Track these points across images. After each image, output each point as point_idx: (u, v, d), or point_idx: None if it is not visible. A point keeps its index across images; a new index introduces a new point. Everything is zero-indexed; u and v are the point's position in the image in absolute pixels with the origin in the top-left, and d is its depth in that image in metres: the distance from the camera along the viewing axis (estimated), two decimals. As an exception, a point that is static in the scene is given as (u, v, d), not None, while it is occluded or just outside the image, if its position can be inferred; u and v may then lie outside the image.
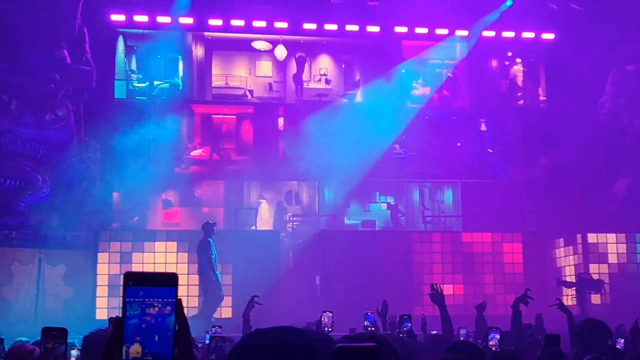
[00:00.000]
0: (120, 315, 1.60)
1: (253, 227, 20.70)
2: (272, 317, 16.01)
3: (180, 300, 1.63)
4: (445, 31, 21.95)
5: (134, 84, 21.89)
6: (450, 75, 22.92)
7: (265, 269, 17.34)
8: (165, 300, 1.60)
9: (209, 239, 16.12)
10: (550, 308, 8.57)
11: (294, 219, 21.93)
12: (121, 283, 1.61)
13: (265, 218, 22.37)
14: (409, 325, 7.10)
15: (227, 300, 17.40)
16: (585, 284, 16.50)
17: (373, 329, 7.63)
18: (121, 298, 1.60)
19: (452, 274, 18.83)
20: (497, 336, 6.24)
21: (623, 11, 19.84)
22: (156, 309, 1.59)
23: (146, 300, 1.59)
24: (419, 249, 19.04)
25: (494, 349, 6.03)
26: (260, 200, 22.51)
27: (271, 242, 18.51)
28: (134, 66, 22.13)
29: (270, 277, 17.37)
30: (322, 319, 7.16)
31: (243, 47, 22.67)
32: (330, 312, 7.23)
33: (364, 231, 21.10)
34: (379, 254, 18.02)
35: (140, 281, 1.60)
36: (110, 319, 5.67)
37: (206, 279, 16.23)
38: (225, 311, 17.32)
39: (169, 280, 1.61)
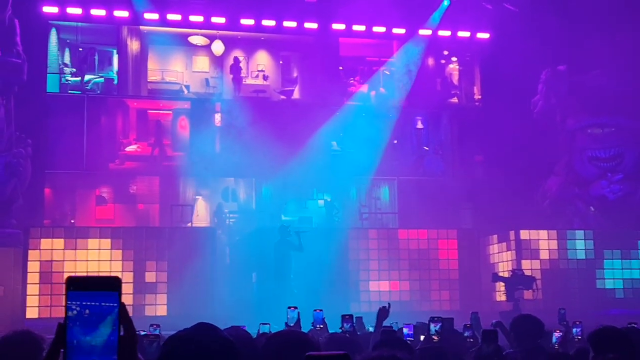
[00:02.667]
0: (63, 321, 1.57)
1: (189, 224, 20.50)
2: (208, 315, 15.90)
3: (123, 304, 1.60)
4: (382, 29, 22.07)
5: (67, 77, 21.46)
6: (387, 72, 23.06)
7: (201, 266, 17.21)
8: (109, 304, 1.57)
9: (288, 239, 16.61)
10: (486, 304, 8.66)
11: (231, 215, 21.81)
12: (64, 289, 1.57)
13: (201, 214, 22.18)
14: (348, 325, 7.08)
15: (162, 298, 17.23)
16: (517, 280, 16.79)
17: (321, 326, 7.61)
18: (64, 303, 1.57)
19: (388, 271, 18.98)
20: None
21: (555, 12, 20.24)
22: (99, 313, 1.55)
23: (89, 304, 1.55)
24: (355, 245, 19.16)
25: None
26: (197, 197, 22.30)
27: (207, 238, 18.36)
28: (67, 59, 21.70)
29: (206, 274, 17.25)
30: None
31: (180, 42, 22.41)
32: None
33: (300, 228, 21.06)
34: (316, 251, 18.02)
35: (83, 285, 1.57)
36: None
37: (282, 275, 16.49)
38: (160, 309, 17.15)
39: (112, 284, 1.59)
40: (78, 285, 1.57)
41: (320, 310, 7.81)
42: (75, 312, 1.55)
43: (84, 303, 1.56)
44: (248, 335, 3.14)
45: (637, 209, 20.82)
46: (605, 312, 16.84)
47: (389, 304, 7.49)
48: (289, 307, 7.82)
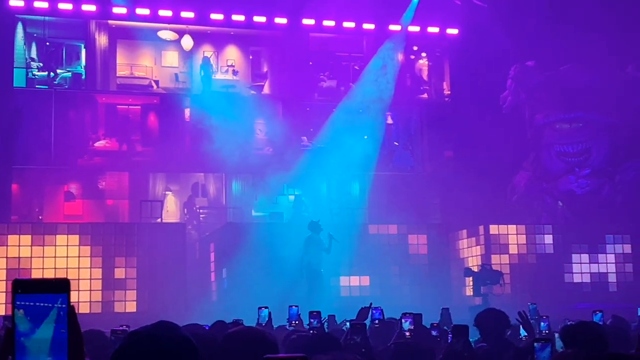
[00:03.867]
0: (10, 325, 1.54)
1: (159, 220, 20.38)
2: (177, 312, 15.85)
3: (72, 307, 1.57)
4: (352, 24, 22.07)
5: (34, 72, 21.20)
6: (357, 68, 23.07)
7: (170, 262, 17.13)
8: (57, 306, 1.54)
9: (317, 235, 16.46)
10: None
11: (201, 211, 21.72)
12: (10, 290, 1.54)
13: (171, 210, 22.08)
14: (315, 322, 7.07)
15: (132, 294, 17.12)
16: (485, 274, 16.91)
17: (297, 322, 7.60)
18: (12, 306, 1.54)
19: (358, 266, 18.96)
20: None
21: (524, 8, 20.38)
22: (47, 316, 1.53)
23: (37, 306, 1.52)
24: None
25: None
26: (166, 192, 22.18)
27: (177, 234, 18.26)
28: (34, 54, 21.44)
29: (175, 270, 17.18)
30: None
31: (149, 37, 22.23)
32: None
33: (271, 223, 21.04)
34: (287, 246, 17.98)
35: (30, 288, 1.54)
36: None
37: (314, 273, 16.32)
38: (129, 305, 17.04)
39: (61, 287, 1.56)
40: (25, 288, 1.54)
41: (296, 306, 7.80)
42: (22, 314, 1.53)
43: (31, 304, 1.53)
44: (208, 332, 3.11)
45: (604, 204, 21.08)
46: (572, 306, 17.01)
47: (370, 303, 7.50)
48: (260, 307, 7.82)
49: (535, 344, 4.00)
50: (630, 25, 19.99)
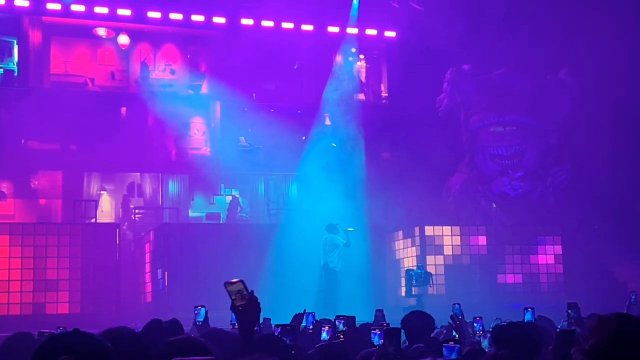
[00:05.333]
0: None
1: (93, 220, 20.06)
2: (112, 313, 15.62)
3: None
4: (291, 25, 22.08)
5: (-37, 68, 20.70)
6: (295, 68, 23.08)
7: (104, 263, 16.89)
8: None
9: (334, 236, 16.72)
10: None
11: (137, 211, 21.47)
12: None
13: (106, 210, 21.77)
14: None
15: (64, 296, 16.82)
16: (415, 276, 17.12)
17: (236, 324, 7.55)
18: None
19: (301, 265, 18.82)
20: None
21: (461, 12, 20.66)
22: None
23: None
24: (262, 241, 18.92)
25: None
26: (101, 192, 21.86)
27: (110, 235, 17.98)
28: (-37, 49, 20.91)
29: (109, 271, 16.94)
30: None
31: (84, 34, 21.89)
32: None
33: (208, 224, 20.93)
34: (224, 247, 17.89)
35: None
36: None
37: (333, 272, 16.62)
38: (61, 307, 16.73)
39: None
40: None
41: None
42: None
43: None
44: (135, 335, 3.08)
45: (537, 206, 21.51)
46: (505, 306, 17.31)
47: (304, 309, 7.51)
48: (196, 306, 7.76)
49: (445, 345, 4.05)
50: (564, 31, 20.45)
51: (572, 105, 21.77)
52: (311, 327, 7.10)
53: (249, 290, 3.67)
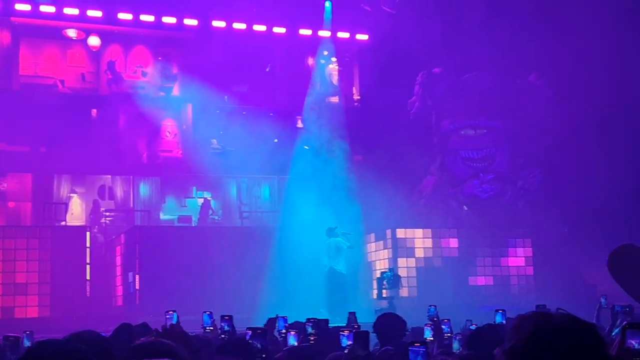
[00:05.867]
0: None
1: (63, 223, 19.88)
2: (81, 315, 15.48)
3: None
4: (263, 27, 22.05)
5: None
6: (267, 70, 23.05)
7: (73, 266, 16.75)
8: None
9: (337, 239, 17.07)
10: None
11: (107, 214, 21.31)
12: None
13: (76, 213, 21.57)
14: (227, 325, 7.02)
15: (33, 299, 16.66)
16: (386, 279, 17.19)
17: (211, 328, 7.51)
18: None
19: (272, 268, 18.74)
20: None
21: (432, 15, 20.76)
22: None
23: None
24: (234, 244, 18.86)
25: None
26: (71, 195, 21.67)
27: (80, 238, 17.84)
28: None
29: (78, 275, 16.81)
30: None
31: (54, 35, 21.68)
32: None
33: (179, 227, 20.84)
34: (195, 250, 17.82)
35: None
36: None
37: (340, 276, 16.90)
38: (31, 311, 16.57)
39: None
40: None
41: (210, 312, 7.72)
42: None
43: None
44: (102, 338, 3.06)
45: (507, 208, 21.67)
46: (476, 308, 17.40)
47: (277, 314, 7.51)
48: (167, 311, 7.71)
49: (410, 348, 4.05)
50: (533, 35, 20.61)
51: (542, 109, 21.95)
52: (283, 331, 7.09)
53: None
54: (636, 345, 3.22)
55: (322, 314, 9.31)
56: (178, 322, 7.59)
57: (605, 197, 19.64)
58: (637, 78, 20.22)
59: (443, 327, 7.49)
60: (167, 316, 7.60)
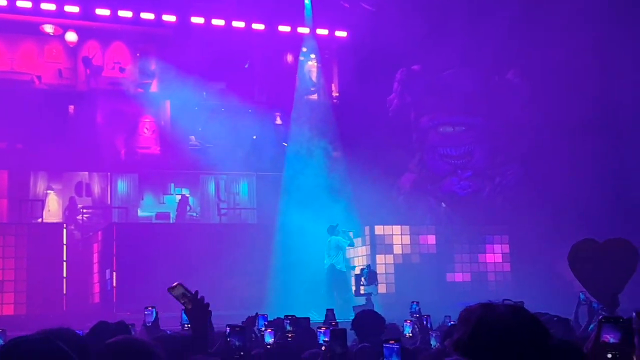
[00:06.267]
0: None
1: (40, 220, 19.75)
2: (58, 313, 15.37)
3: None
4: (242, 24, 21.99)
5: None
6: (246, 67, 22.98)
7: (50, 263, 16.65)
8: None
9: (337, 237, 17.42)
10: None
11: (85, 211, 21.18)
12: None
13: (53, 210, 21.41)
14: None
15: (9, 297, 16.54)
16: (364, 276, 17.24)
17: (189, 325, 7.48)
18: None
19: (251, 265, 18.73)
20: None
21: (411, 12, 20.78)
22: None
23: None
24: (212, 241, 18.80)
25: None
26: (48, 192, 21.50)
27: (56, 235, 17.73)
28: None
29: (55, 272, 16.71)
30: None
31: (31, 30, 21.49)
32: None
33: (157, 224, 20.77)
34: (174, 247, 17.76)
35: None
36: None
37: (341, 274, 17.33)
38: (6, 308, 16.45)
39: None
40: None
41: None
42: None
43: None
44: (76, 336, 3.04)
45: (485, 205, 21.77)
46: (454, 304, 17.47)
47: (256, 313, 7.50)
48: (147, 307, 7.68)
49: (385, 345, 4.06)
50: (511, 32, 20.68)
51: (521, 106, 22.07)
52: (263, 329, 7.09)
53: (192, 292, 3.74)
54: (611, 340, 3.25)
55: (313, 315, 9.31)
56: (157, 318, 7.58)
57: (584, 194, 19.78)
58: (617, 76, 20.41)
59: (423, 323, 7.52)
60: (146, 312, 7.57)
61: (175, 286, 3.74)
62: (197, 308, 3.70)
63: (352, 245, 17.94)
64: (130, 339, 2.82)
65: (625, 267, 9.46)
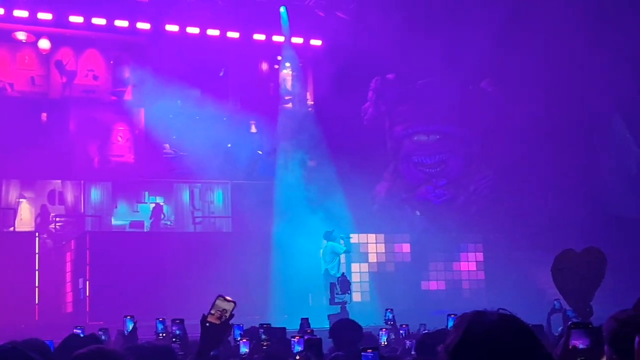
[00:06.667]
0: None
1: (12, 228, 19.54)
2: (29, 323, 15.19)
3: None
4: (216, 32, 21.95)
5: None
6: (221, 75, 22.93)
7: (21, 272, 16.47)
8: None
9: (333, 243, 17.17)
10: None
11: (57, 219, 20.99)
12: None
13: (25, 218, 21.19)
14: (177, 329, 6.97)
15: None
16: (341, 284, 17.22)
17: (164, 335, 7.43)
18: None
19: (225, 274, 18.64)
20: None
21: (385, 21, 20.85)
22: None
23: None
24: (186, 249, 18.70)
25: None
26: (20, 200, 21.28)
27: (28, 243, 17.54)
28: None
29: (26, 281, 16.54)
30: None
31: (3, 37, 21.29)
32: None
33: (131, 232, 20.62)
34: (148, 256, 17.64)
35: None
36: None
37: (333, 278, 16.90)
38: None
39: None
40: None
41: (163, 319, 7.65)
42: None
43: None
44: (44, 347, 3.00)
45: (460, 213, 21.86)
46: (429, 313, 17.52)
47: (232, 323, 7.44)
48: (125, 316, 7.63)
49: (363, 354, 4.05)
50: (486, 41, 20.81)
51: (495, 115, 22.22)
52: (238, 339, 7.06)
53: (230, 315, 3.48)
54: (580, 346, 3.27)
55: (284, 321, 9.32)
56: (135, 328, 7.53)
57: (558, 203, 19.94)
58: (591, 85, 20.63)
59: (401, 332, 7.55)
60: (125, 320, 7.50)
61: (230, 301, 3.50)
62: (219, 331, 3.48)
63: (349, 251, 17.92)
64: (101, 349, 2.78)
65: (596, 275, 9.57)
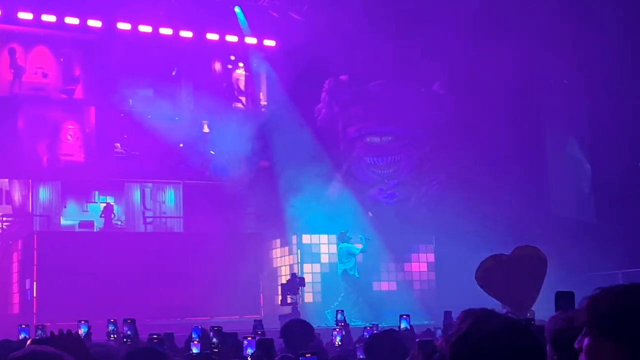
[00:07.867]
0: None
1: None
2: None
3: None
4: (169, 31, 21.77)
5: None
6: (174, 74, 22.75)
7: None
8: None
9: (349, 244, 18.22)
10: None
11: (4, 219, 20.63)
12: None
13: (-29, 218, 20.81)
14: (129, 330, 6.93)
15: None
16: (293, 284, 17.21)
17: (115, 336, 7.36)
18: None
19: (176, 274, 18.52)
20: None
21: (339, 22, 20.91)
22: None
23: None
24: (135, 249, 18.48)
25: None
26: (-34, 199, 20.88)
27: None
28: None
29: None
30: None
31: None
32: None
33: (80, 232, 20.35)
34: (98, 256, 17.42)
35: None
36: None
37: (355, 279, 18.12)
38: None
39: None
40: None
41: (114, 320, 7.58)
42: None
43: None
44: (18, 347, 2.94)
45: (411, 214, 22.00)
46: (380, 313, 17.61)
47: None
48: (79, 320, 7.55)
49: (301, 358, 4.03)
50: (437, 45, 20.98)
51: (446, 117, 22.42)
52: (197, 339, 7.01)
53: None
54: None
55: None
56: (89, 332, 7.45)
57: (508, 203, 20.17)
58: (541, 90, 20.95)
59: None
60: (79, 325, 7.43)
61: None
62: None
63: (364, 250, 18.53)
64: (36, 349, 2.71)
65: (535, 275, 9.42)
